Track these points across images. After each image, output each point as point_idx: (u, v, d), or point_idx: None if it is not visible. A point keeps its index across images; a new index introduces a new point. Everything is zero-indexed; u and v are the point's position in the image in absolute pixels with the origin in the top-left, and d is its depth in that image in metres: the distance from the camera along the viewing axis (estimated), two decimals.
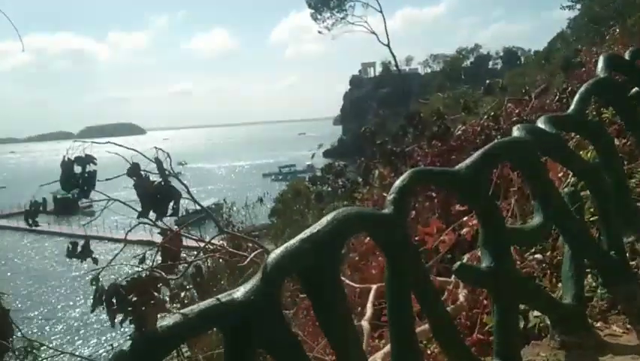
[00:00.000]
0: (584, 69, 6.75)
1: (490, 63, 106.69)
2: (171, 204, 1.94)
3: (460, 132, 5.45)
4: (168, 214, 2.16)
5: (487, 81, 8.86)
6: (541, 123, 2.86)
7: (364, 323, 3.07)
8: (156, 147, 2.32)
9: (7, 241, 54.62)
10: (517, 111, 5.71)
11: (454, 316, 3.12)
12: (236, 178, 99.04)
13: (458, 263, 2.18)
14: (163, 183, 1.95)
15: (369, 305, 3.27)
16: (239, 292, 1.39)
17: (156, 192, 1.93)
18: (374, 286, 3.52)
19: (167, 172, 2.12)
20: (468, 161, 2.41)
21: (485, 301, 3.02)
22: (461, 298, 3.23)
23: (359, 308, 4.20)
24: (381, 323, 3.11)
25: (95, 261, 2.35)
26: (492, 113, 6.00)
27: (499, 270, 2.19)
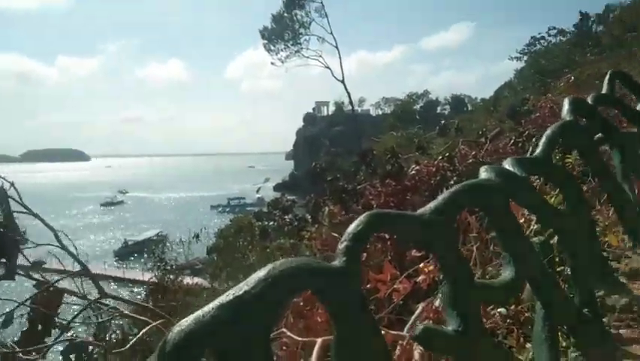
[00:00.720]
0: (537, 114, 6.80)
1: (439, 108, 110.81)
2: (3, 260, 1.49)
3: (414, 172, 5.22)
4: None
5: (442, 121, 8.83)
6: (509, 165, 2.60)
7: None
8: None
9: None
10: (473, 153, 5.58)
11: None
12: (183, 209, 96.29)
13: (421, 327, 1.81)
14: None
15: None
16: None
17: None
18: (319, 340, 3.08)
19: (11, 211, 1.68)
20: (432, 204, 2.07)
21: None
22: (416, 355, 2.85)
23: None
24: None
25: None
26: (447, 154, 5.86)
27: (469, 334, 1.84)
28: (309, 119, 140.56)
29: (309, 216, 6.14)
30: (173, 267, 16.96)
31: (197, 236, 48.90)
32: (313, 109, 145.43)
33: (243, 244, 6.35)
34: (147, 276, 35.55)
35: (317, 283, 1.48)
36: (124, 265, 45.95)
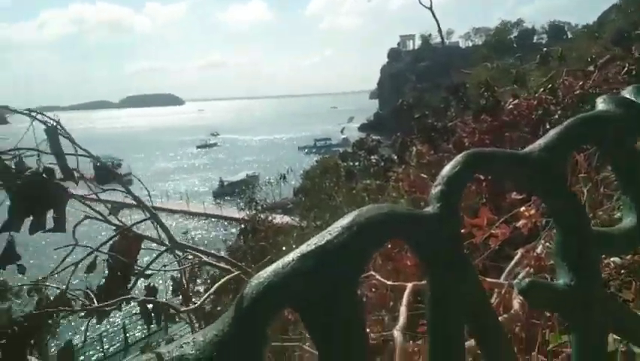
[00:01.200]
0: None
1: (535, 38, 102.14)
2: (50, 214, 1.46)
3: (512, 106, 4.77)
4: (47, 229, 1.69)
5: (544, 49, 7.98)
6: (631, 94, 2.21)
7: (396, 333, 2.54)
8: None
9: None
10: (579, 83, 4.97)
11: (508, 327, 2.56)
12: (272, 151, 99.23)
13: (526, 281, 1.61)
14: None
15: (402, 310, 2.73)
16: (193, 345, 0.89)
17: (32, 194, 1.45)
18: (409, 285, 2.98)
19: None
20: (543, 141, 1.79)
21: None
22: (516, 305, 2.65)
23: (391, 303, 3.70)
24: (419, 333, 2.57)
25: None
26: (549, 86, 5.28)
27: (583, 291, 1.61)
28: (393, 54, 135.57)
29: (396, 157, 5.91)
30: (264, 206, 17.72)
31: (283, 177, 50.49)
32: (398, 44, 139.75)
33: (329, 185, 6.30)
34: (242, 215, 37.63)
35: (408, 231, 1.32)
36: (221, 204, 48.65)
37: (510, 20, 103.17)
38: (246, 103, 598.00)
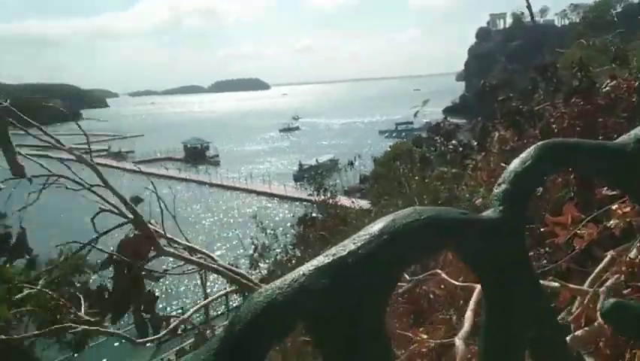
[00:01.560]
0: None
1: None
2: None
3: (609, 88, 4.23)
4: None
5: None
6: None
7: (458, 342, 2.30)
8: None
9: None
10: None
11: (589, 342, 2.24)
12: (352, 134, 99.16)
13: (611, 302, 1.33)
14: None
15: (468, 314, 2.48)
16: None
17: None
18: (477, 287, 2.70)
19: None
20: (639, 131, 1.48)
21: None
22: (601, 319, 2.31)
23: (461, 302, 3.45)
24: None
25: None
26: None
27: None
28: (482, 34, 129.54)
29: (475, 143, 5.51)
30: (335, 191, 17.37)
31: (351, 164, 50.23)
32: (487, 23, 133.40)
33: (403, 171, 6.01)
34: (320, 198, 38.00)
35: (459, 241, 1.11)
36: (300, 187, 49.40)
37: None
38: (329, 87, 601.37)
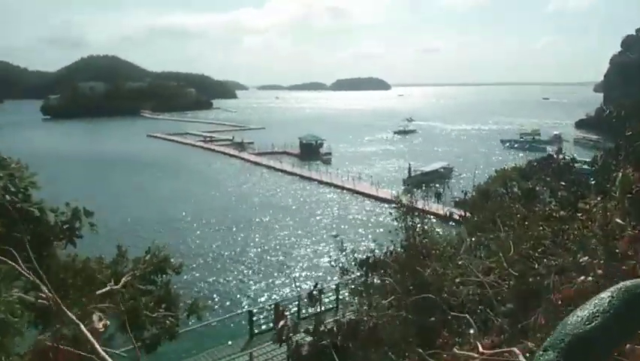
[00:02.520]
0: None
1: None
2: None
3: None
4: None
5: None
6: None
7: None
8: None
9: (258, 178, 63.34)
10: None
11: None
12: (470, 142, 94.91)
13: None
14: None
15: None
16: None
17: None
18: None
19: None
20: None
21: None
22: None
23: None
24: None
25: None
26: None
27: None
28: (629, 43, 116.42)
29: (593, 181, 4.71)
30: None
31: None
32: (637, 31, 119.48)
33: (503, 204, 5.25)
34: (434, 207, 36.65)
35: None
36: (409, 193, 48.23)
37: None
38: (451, 89, 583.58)
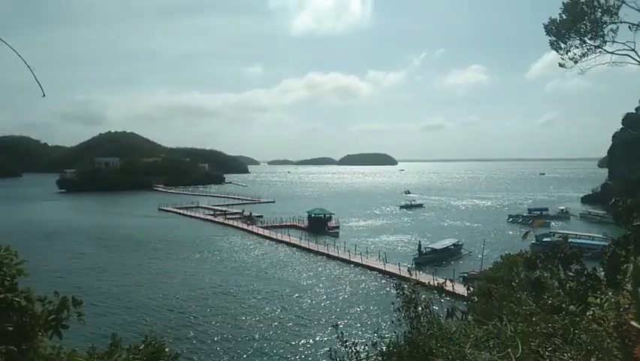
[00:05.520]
0: None
1: None
2: None
3: None
4: None
5: None
6: None
7: None
8: None
9: (268, 251, 62.68)
10: None
11: None
12: (475, 216, 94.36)
13: None
14: None
15: None
16: None
17: None
18: None
19: None
20: None
21: None
22: None
23: None
24: None
25: None
26: None
27: None
28: (630, 120, 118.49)
29: (603, 271, 4.51)
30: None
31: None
32: (636, 109, 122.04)
33: (510, 292, 4.93)
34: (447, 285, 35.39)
35: None
36: (417, 270, 47.07)
37: None
38: (455, 165, 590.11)
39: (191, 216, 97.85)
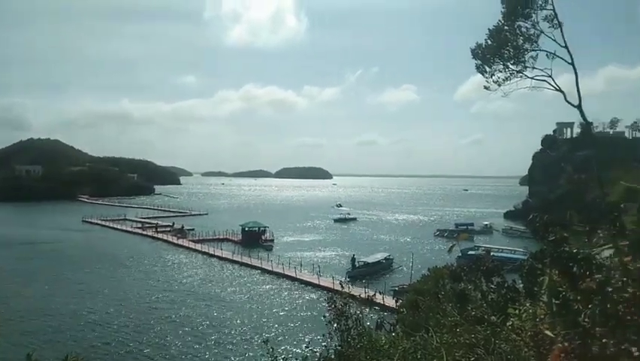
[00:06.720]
0: None
1: None
2: None
3: None
4: None
5: None
6: None
7: None
8: None
9: (201, 264, 61.00)
10: None
11: None
12: (406, 231, 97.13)
13: None
14: None
15: None
16: None
17: None
18: None
19: None
20: None
21: None
22: None
23: None
24: None
25: None
26: None
27: None
28: (548, 142, 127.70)
29: (521, 285, 4.76)
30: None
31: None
32: (554, 131, 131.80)
33: (436, 304, 5.10)
34: (377, 298, 35.83)
35: None
36: (350, 283, 47.44)
37: None
38: (386, 180, 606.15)
39: (117, 229, 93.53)
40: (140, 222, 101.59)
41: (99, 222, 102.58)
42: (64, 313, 38.65)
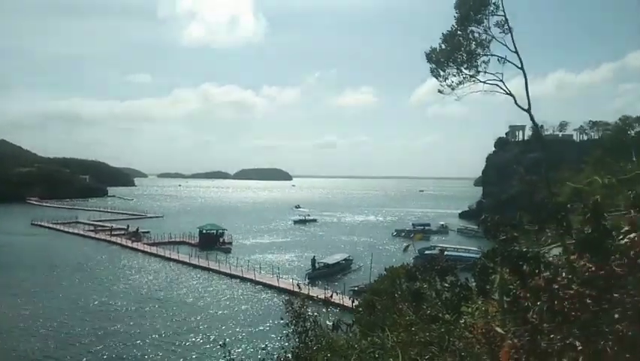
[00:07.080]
0: None
1: None
2: None
3: (628, 243, 3.61)
4: None
5: None
6: None
7: None
8: None
9: (153, 267, 59.54)
10: None
11: None
12: (365, 231, 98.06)
13: None
14: None
15: None
16: None
17: None
18: None
19: None
20: None
21: None
22: None
23: None
24: None
25: None
26: None
27: None
28: (501, 144, 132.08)
29: (474, 283, 4.88)
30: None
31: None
32: (506, 133, 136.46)
33: (392, 303, 5.18)
34: (336, 298, 36.23)
35: None
36: (310, 285, 47.58)
37: (631, 116, 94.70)
38: (345, 182, 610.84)
39: (69, 233, 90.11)
40: (92, 225, 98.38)
41: (49, 225, 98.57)
42: (14, 320, 36.88)
